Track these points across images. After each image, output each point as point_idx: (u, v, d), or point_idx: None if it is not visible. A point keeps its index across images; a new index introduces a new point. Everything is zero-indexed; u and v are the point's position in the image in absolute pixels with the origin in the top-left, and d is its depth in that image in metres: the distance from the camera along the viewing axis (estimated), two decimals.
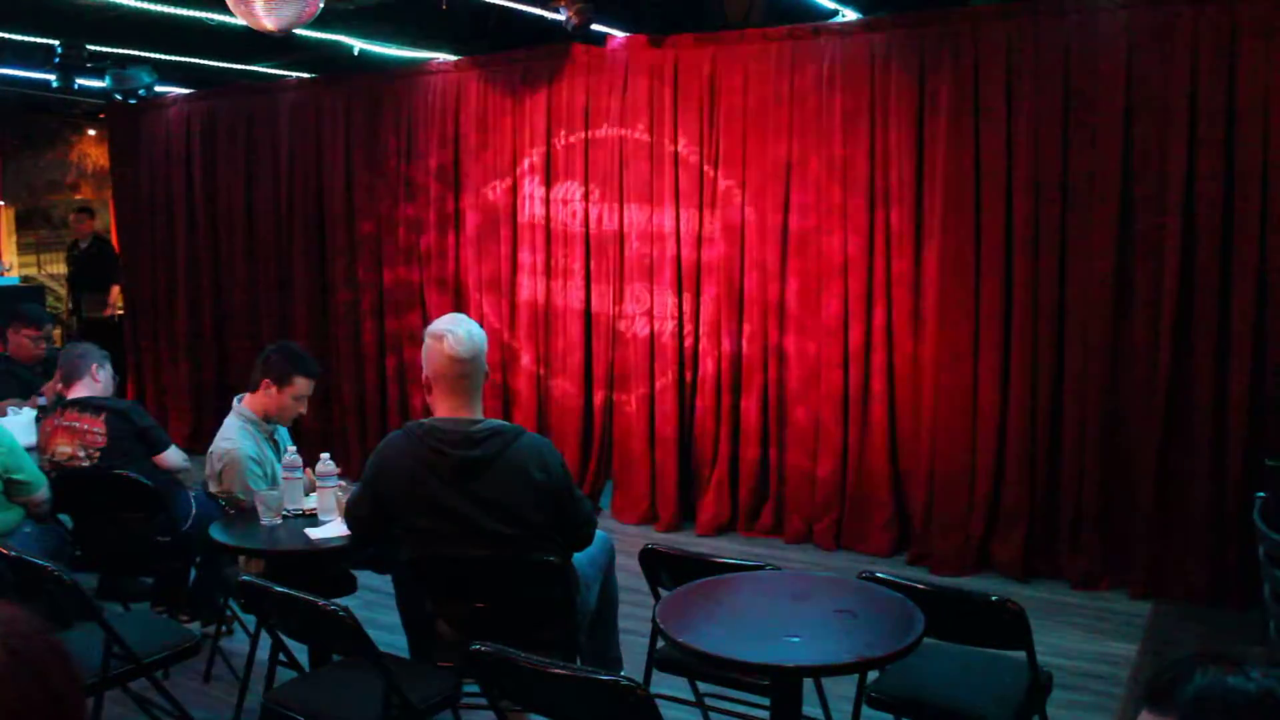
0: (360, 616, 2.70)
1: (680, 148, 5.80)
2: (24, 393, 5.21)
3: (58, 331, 8.34)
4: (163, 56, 6.47)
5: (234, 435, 3.94)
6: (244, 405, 4.03)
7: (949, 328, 5.14)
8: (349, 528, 3.25)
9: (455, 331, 3.05)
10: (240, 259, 7.59)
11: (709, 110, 5.72)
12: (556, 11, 5.25)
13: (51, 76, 6.08)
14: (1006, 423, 5.07)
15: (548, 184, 6.26)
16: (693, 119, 5.76)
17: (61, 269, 9.47)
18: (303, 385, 3.99)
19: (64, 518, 4.24)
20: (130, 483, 3.96)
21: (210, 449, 3.98)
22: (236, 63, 6.78)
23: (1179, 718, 1.06)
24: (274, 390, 3.97)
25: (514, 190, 6.38)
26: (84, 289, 8.82)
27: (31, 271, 9.45)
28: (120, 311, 8.67)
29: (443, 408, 3.06)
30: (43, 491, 4.04)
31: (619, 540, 3.66)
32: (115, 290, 8.90)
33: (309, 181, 7.20)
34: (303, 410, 4.06)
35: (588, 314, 6.20)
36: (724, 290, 5.75)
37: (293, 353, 4.07)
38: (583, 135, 6.11)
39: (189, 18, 5.20)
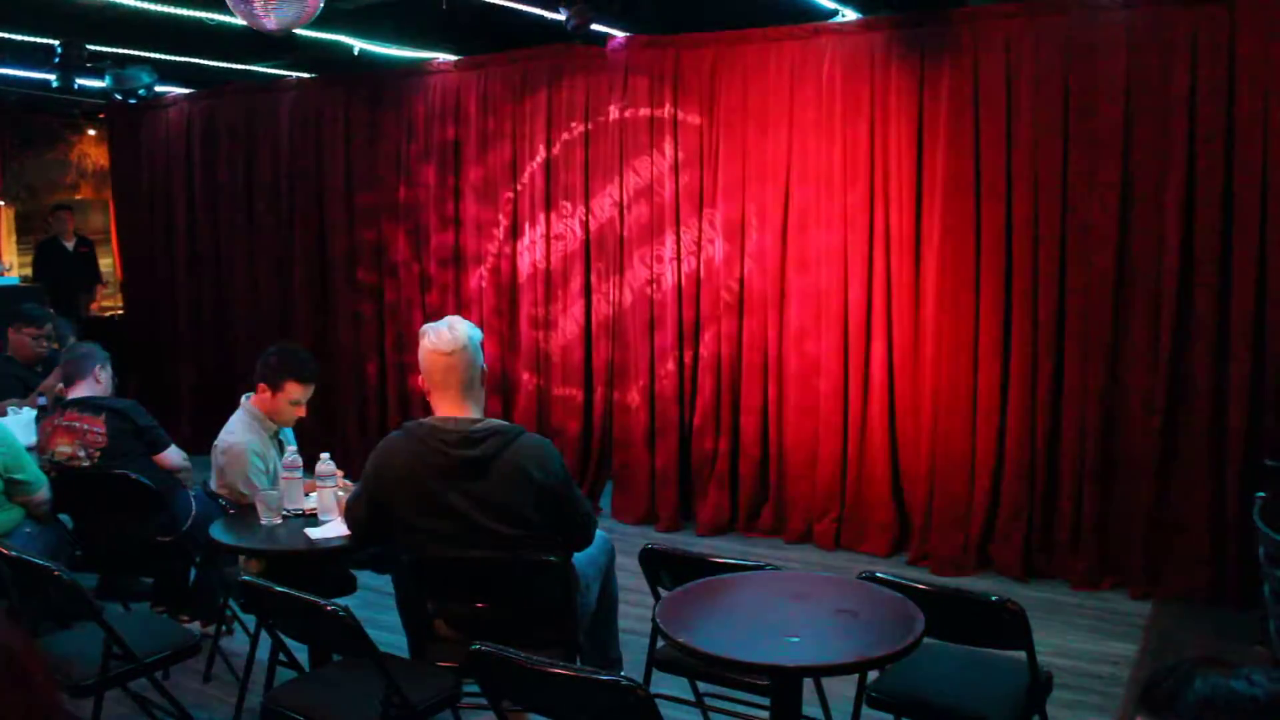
0: (360, 616, 2.70)
1: (680, 148, 5.80)
2: (24, 393, 5.21)
3: None
4: (163, 56, 6.46)
5: (238, 430, 3.94)
6: (250, 403, 4.03)
7: (948, 327, 5.14)
8: (348, 528, 3.25)
9: (438, 328, 3.10)
10: (240, 259, 7.59)
11: (709, 110, 5.72)
12: (557, 11, 5.24)
13: (51, 76, 6.07)
14: (1006, 422, 5.07)
15: (548, 183, 6.26)
16: (693, 118, 5.76)
17: None
18: (296, 390, 3.96)
19: (64, 518, 4.24)
20: (130, 483, 3.96)
21: (215, 442, 3.98)
22: (236, 63, 6.77)
23: None
24: (268, 394, 3.96)
25: (514, 189, 6.38)
26: (78, 289, 8.78)
27: (31, 271, 9.40)
28: (120, 311, 8.66)
29: (440, 406, 3.07)
30: (43, 491, 4.04)
31: (619, 540, 3.66)
32: (100, 287, 8.92)
33: (309, 182, 7.20)
34: (301, 413, 4.04)
35: (588, 316, 6.20)
36: (724, 291, 5.75)
37: (289, 356, 4.02)
38: (583, 134, 6.11)
39: (189, 18, 5.20)
